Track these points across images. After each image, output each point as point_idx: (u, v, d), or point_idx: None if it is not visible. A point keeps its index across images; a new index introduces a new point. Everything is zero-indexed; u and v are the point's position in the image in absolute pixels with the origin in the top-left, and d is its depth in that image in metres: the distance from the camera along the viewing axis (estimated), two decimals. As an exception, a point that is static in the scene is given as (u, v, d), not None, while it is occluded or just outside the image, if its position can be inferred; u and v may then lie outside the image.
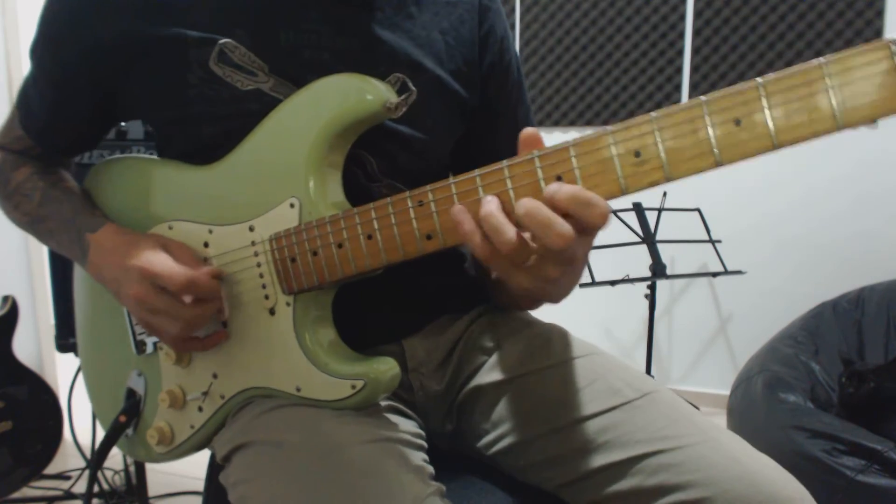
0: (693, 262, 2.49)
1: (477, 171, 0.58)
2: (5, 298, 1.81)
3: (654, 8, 2.48)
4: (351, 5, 0.73)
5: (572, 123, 2.63)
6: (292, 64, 0.71)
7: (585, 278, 2.02)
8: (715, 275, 2.05)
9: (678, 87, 2.48)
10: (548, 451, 0.71)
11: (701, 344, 2.61)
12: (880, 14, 2.23)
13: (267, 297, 0.70)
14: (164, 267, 0.67)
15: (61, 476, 2.00)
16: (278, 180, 0.68)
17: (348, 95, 0.66)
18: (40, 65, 0.77)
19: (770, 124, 0.48)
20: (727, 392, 2.01)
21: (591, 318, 2.69)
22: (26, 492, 1.86)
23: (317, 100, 0.67)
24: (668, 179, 0.52)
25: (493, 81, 0.84)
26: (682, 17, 2.45)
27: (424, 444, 0.69)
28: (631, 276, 2.04)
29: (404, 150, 0.76)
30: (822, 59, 0.46)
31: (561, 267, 0.55)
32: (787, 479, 0.66)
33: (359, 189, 0.73)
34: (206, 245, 0.72)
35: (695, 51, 2.44)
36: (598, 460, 0.68)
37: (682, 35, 2.46)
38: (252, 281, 0.71)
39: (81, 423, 1.78)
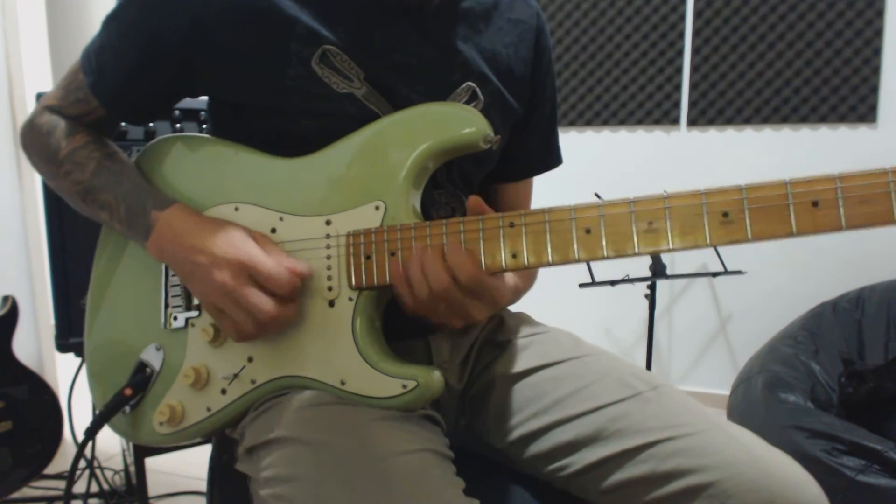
0: (693, 262, 2.49)
1: (573, 205, 0.64)
2: (5, 298, 1.81)
3: (654, 8, 2.48)
4: (438, 18, 0.78)
5: (572, 124, 2.63)
6: (384, 65, 0.75)
7: (586, 278, 2.02)
8: (715, 275, 2.05)
9: (678, 87, 2.48)
10: (561, 440, 0.73)
11: (701, 344, 2.61)
12: (880, 14, 2.23)
13: (330, 289, 0.72)
14: (268, 265, 0.68)
15: (61, 476, 1.99)
16: (370, 184, 0.72)
17: (455, 124, 0.71)
18: (127, 28, 0.76)
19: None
20: (727, 392, 2.01)
21: (591, 318, 2.69)
22: (26, 492, 1.86)
23: (425, 121, 0.72)
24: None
25: (537, 98, 0.90)
26: (682, 18, 2.45)
27: (452, 453, 0.70)
28: (631, 276, 2.04)
29: (470, 158, 0.79)
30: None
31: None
32: (794, 465, 0.68)
33: (423, 194, 0.76)
34: (273, 231, 0.74)
35: (695, 51, 2.44)
36: (612, 447, 0.69)
37: (682, 35, 2.46)
38: (317, 272, 0.72)
39: (81, 423, 1.78)
